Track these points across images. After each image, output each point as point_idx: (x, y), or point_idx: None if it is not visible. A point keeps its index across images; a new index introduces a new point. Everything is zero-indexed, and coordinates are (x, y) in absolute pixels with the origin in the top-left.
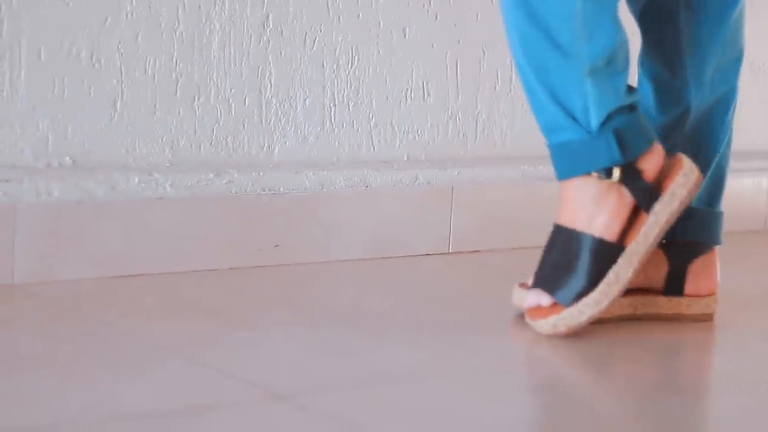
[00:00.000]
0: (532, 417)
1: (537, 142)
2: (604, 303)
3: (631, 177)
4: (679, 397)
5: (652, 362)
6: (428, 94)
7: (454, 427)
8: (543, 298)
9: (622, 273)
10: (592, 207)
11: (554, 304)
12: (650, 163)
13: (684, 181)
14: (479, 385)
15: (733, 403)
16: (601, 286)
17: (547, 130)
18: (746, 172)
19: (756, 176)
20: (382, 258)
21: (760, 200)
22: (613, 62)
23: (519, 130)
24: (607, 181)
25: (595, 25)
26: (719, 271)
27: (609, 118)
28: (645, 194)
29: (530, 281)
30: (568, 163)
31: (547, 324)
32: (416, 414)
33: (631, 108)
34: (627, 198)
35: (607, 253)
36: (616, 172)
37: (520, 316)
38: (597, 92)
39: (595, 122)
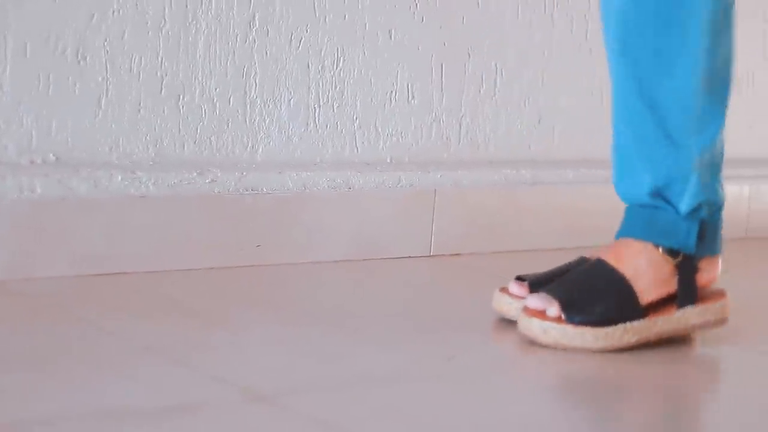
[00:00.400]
0: (515, 419)
1: (520, 147)
2: (599, 344)
3: (688, 269)
4: (669, 402)
5: (637, 363)
6: (412, 97)
7: (436, 429)
8: (552, 308)
9: (629, 333)
10: (644, 267)
11: (559, 318)
12: (708, 269)
13: (715, 311)
14: (460, 387)
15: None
16: (611, 329)
17: (628, 194)
18: (728, 180)
19: (738, 184)
20: (364, 260)
21: (742, 208)
22: (719, 153)
23: (502, 134)
24: (667, 258)
25: (710, 117)
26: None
27: (699, 206)
28: (687, 292)
29: (512, 285)
30: (643, 226)
31: (539, 325)
32: (398, 415)
33: (719, 208)
34: (673, 284)
35: (630, 308)
36: (679, 257)
37: (502, 320)
38: (699, 183)
39: (684, 208)
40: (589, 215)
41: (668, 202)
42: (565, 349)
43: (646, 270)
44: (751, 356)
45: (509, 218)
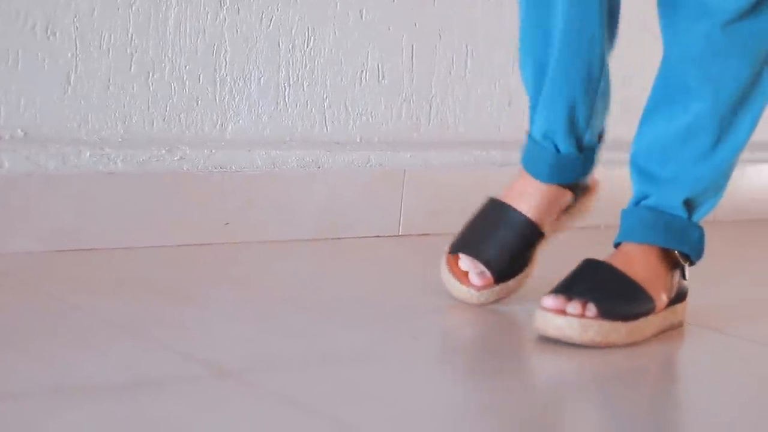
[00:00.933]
0: (477, 400)
1: (489, 128)
2: (631, 338)
3: (683, 270)
4: (620, 386)
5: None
6: (383, 77)
7: (400, 407)
8: (574, 306)
9: (650, 327)
10: (660, 271)
11: (596, 315)
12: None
13: (682, 309)
14: (425, 367)
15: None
16: (640, 322)
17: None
18: None
19: None
20: (333, 238)
21: None
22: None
23: (472, 115)
24: (677, 261)
25: None
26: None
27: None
28: (681, 290)
29: (474, 276)
30: (658, 231)
31: (578, 324)
32: (363, 394)
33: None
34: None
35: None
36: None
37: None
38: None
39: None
40: None
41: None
42: (596, 346)
43: (661, 275)
44: (739, 343)
45: (478, 199)
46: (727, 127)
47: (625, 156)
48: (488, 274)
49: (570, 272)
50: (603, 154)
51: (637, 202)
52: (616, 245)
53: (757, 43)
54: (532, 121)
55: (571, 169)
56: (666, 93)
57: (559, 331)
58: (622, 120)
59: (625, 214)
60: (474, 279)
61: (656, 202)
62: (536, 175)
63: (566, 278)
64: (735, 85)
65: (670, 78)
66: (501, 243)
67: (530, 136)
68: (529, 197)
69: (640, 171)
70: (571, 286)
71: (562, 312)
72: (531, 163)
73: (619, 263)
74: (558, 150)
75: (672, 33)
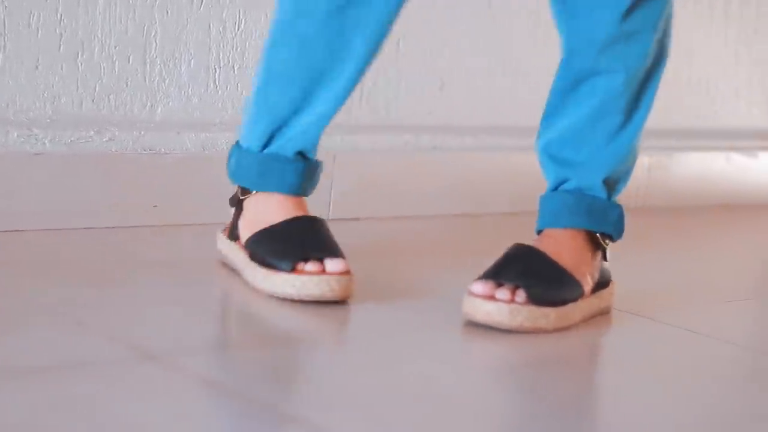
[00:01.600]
0: (405, 385)
1: (420, 112)
2: (560, 323)
3: (605, 253)
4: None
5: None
6: None
7: (324, 390)
8: (503, 292)
9: (577, 313)
10: (585, 254)
11: (525, 301)
12: None
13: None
14: (355, 350)
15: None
16: (569, 308)
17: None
18: None
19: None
20: None
21: (641, 178)
22: None
23: (403, 99)
24: (600, 243)
25: None
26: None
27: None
28: (604, 276)
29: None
30: (581, 213)
31: (508, 309)
32: (290, 377)
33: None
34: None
35: (576, 291)
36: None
37: (396, 285)
38: None
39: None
40: (487, 182)
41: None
42: (525, 332)
43: (587, 259)
44: (666, 330)
45: (408, 183)
46: (633, 104)
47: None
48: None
49: (499, 257)
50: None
51: (555, 187)
52: (539, 231)
53: (658, 17)
54: None
55: None
56: (572, 81)
57: (488, 316)
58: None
59: (545, 199)
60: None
61: (577, 185)
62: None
63: (495, 263)
64: (642, 62)
65: (574, 66)
66: None
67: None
68: None
69: (554, 159)
70: (500, 271)
71: (492, 297)
72: None
73: (548, 249)
74: None
75: (573, 23)
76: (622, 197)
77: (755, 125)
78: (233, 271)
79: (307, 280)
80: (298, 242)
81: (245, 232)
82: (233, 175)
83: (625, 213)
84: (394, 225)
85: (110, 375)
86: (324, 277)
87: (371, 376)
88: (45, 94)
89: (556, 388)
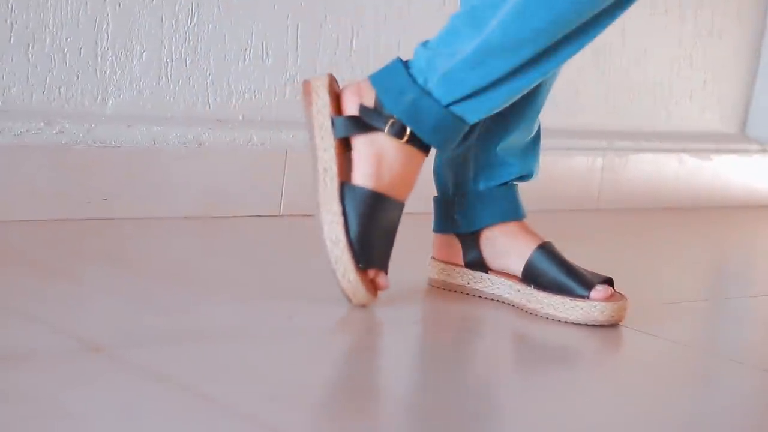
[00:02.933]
0: (351, 378)
1: None
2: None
3: None
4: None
5: (457, 330)
6: (267, 55)
7: (269, 384)
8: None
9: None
10: None
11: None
12: None
13: None
14: (299, 345)
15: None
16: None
17: None
18: (581, 151)
19: (590, 155)
20: (213, 217)
21: (594, 179)
22: None
23: None
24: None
25: None
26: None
27: None
28: None
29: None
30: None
31: None
32: (235, 370)
33: None
34: None
35: None
36: None
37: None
38: None
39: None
40: None
41: None
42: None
43: None
44: (612, 330)
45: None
46: None
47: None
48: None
49: (561, 261)
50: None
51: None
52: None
53: None
54: None
55: None
56: None
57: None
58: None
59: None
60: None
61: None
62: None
63: (576, 269)
64: None
65: None
66: None
67: None
68: None
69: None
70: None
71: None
72: None
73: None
74: None
75: None
76: (574, 197)
77: (708, 127)
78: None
79: (359, 289)
80: (381, 240)
81: (364, 168)
82: (402, 113)
83: (578, 214)
84: None
85: (56, 366)
86: (365, 292)
87: (317, 370)
88: None
89: (495, 388)
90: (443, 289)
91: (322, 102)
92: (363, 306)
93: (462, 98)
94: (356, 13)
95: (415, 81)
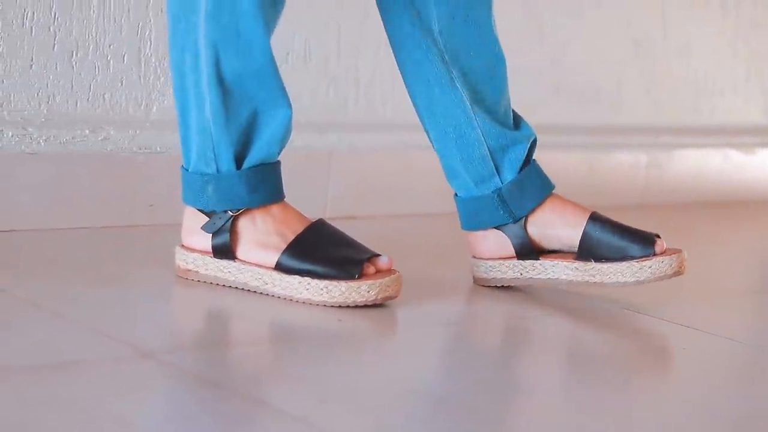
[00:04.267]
0: (396, 381)
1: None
2: None
3: None
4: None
5: (507, 330)
6: (309, 58)
7: (322, 388)
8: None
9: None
10: None
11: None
12: None
13: None
14: (350, 348)
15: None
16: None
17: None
18: (625, 147)
19: (634, 152)
20: None
21: (638, 175)
22: None
23: (399, 97)
24: None
25: None
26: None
27: None
28: None
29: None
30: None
31: None
32: (281, 374)
33: None
34: None
35: None
36: None
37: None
38: None
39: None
40: None
41: None
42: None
43: None
44: (663, 325)
45: (404, 182)
46: None
47: (555, 139)
48: None
49: (613, 224)
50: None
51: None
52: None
53: None
54: None
55: None
56: None
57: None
58: (554, 102)
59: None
60: None
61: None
62: None
63: (627, 227)
64: None
65: None
66: None
67: None
68: None
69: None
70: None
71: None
72: None
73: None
74: None
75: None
76: (619, 193)
77: (753, 121)
78: (223, 288)
79: (382, 283)
80: (339, 248)
81: (264, 256)
82: (216, 205)
83: (623, 210)
84: (391, 223)
85: (106, 373)
86: (393, 276)
87: (366, 372)
88: (40, 94)
89: (554, 383)
90: (493, 287)
91: (190, 257)
92: (399, 287)
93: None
94: None
95: (202, 173)
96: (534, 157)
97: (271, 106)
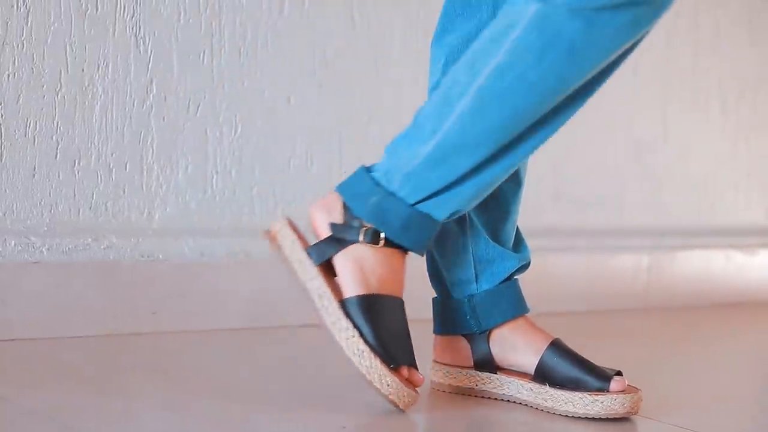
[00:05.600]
0: None
1: None
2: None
3: None
4: None
5: None
6: (311, 164)
7: None
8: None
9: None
10: None
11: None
12: None
13: None
14: None
15: None
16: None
17: None
18: (627, 250)
19: (636, 254)
20: (262, 327)
21: (640, 278)
22: None
23: None
24: None
25: None
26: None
27: None
28: None
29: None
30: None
31: None
32: None
33: None
34: None
35: None
36: None
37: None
38: None
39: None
40: None
41: None
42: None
43: None
44: (665, 428)
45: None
46: None
47: (556, 243)
48: None
49: (571, 356)
50: (537, 242)
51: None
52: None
53: None
54: None
55: None
56: None
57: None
58: (554, 207)
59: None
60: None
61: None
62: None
63: (586, 362)
64: None
65: None
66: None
67: None
68: None
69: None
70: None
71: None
72: None
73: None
74: None
75: None
76: (621, 296)
77: (754, 221)
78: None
79: (402, 389)
80: (397, 338)
81: (350, 280)
82: (369, 215)
83: (626, 313)
84: None
85: None
86: (410, 391)
87: None
88: (42, 202)
89: None
90: (449, 392)
91: (290, 240)
92: (410, 406)
93: (427, 197)
94: (399, 119)
95: (378, 184)
96: (517, 278)
97: None
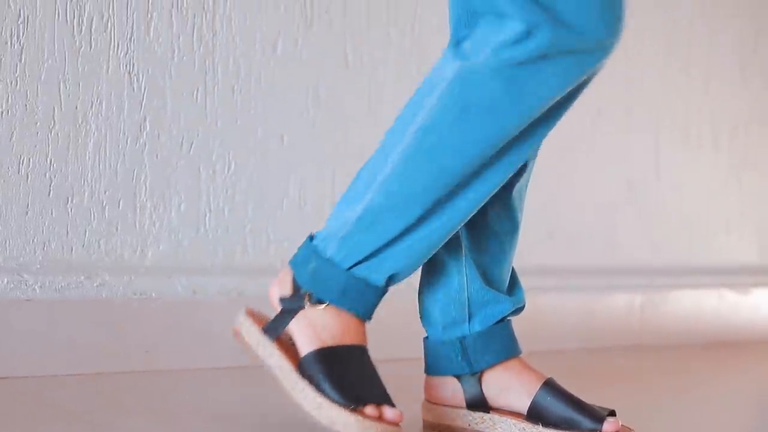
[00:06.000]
0: None
1: None
2: None
3: None
4: None
5: None
6: (304, 202)
7: None
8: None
9: None
10: None
11: None
12: None
13: None
14: None
15: None
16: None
17: None
18: (620, 289)
19: (629, 293)
20: (254, 366)
21: (633, 316)
22: None
23: None
24: None
25: None
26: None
27: None
28: None
29: None
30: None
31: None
32: None
33: None
34: None
35: None
36: None
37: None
38: None
39: None
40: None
41: None
42: None
43: None
44: None
45: (398, 328)
46: None
47: (549, 281)
48: None
49: (566, 397)
50: (530, 281)
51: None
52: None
53: None
54: None
55: None
56: None
57: None
58: (547, 246)
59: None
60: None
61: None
62: None
63: (580, 403)
64: None
65: None
66: None
67: None
68: None
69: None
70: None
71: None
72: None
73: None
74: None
75: None
76: (614, 334)
77: (747, 261)
78: (253, 359)
79: (368, 426)
80: (360, 380)
81: (304, 341)
82: (308, 283)
83: (619, 352)
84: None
85: None
86: (381, 426)
87: None
88: (35, 240)
89: None
90: None
91: (248, 325)
92: None
93: (360, 260)
94: None
95: (316, 250)
96: (510, 319)
97: None
